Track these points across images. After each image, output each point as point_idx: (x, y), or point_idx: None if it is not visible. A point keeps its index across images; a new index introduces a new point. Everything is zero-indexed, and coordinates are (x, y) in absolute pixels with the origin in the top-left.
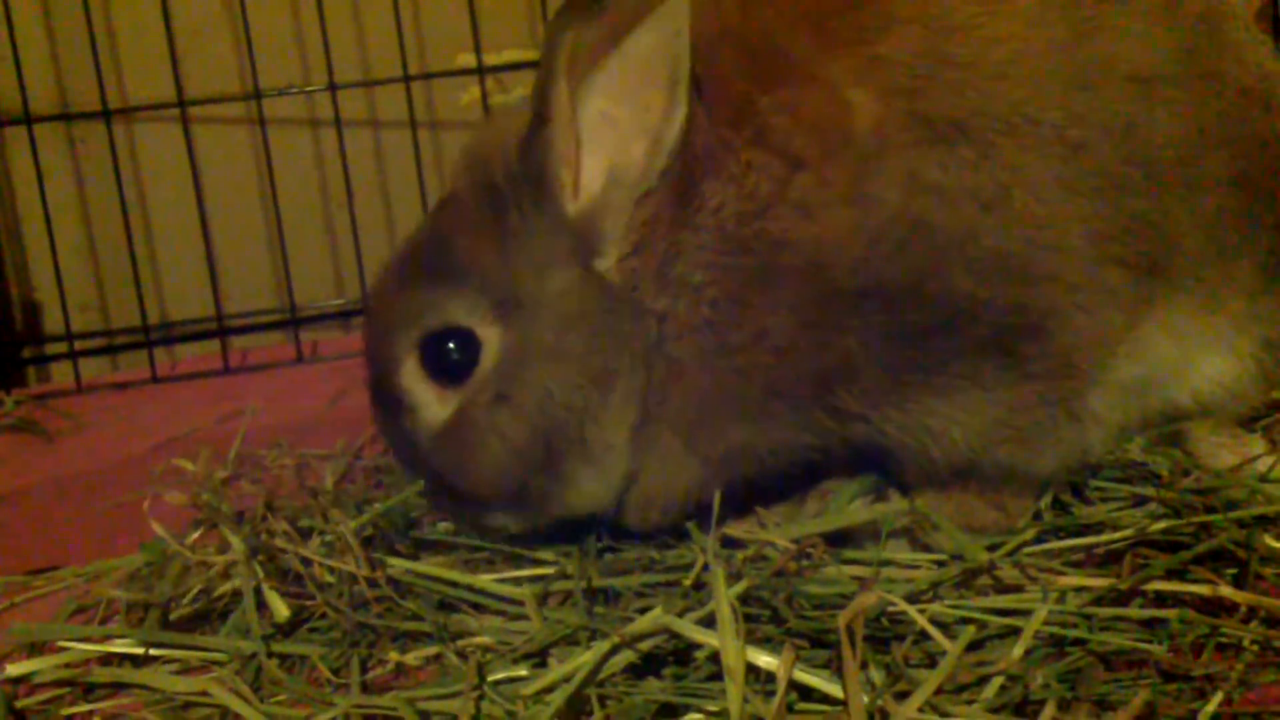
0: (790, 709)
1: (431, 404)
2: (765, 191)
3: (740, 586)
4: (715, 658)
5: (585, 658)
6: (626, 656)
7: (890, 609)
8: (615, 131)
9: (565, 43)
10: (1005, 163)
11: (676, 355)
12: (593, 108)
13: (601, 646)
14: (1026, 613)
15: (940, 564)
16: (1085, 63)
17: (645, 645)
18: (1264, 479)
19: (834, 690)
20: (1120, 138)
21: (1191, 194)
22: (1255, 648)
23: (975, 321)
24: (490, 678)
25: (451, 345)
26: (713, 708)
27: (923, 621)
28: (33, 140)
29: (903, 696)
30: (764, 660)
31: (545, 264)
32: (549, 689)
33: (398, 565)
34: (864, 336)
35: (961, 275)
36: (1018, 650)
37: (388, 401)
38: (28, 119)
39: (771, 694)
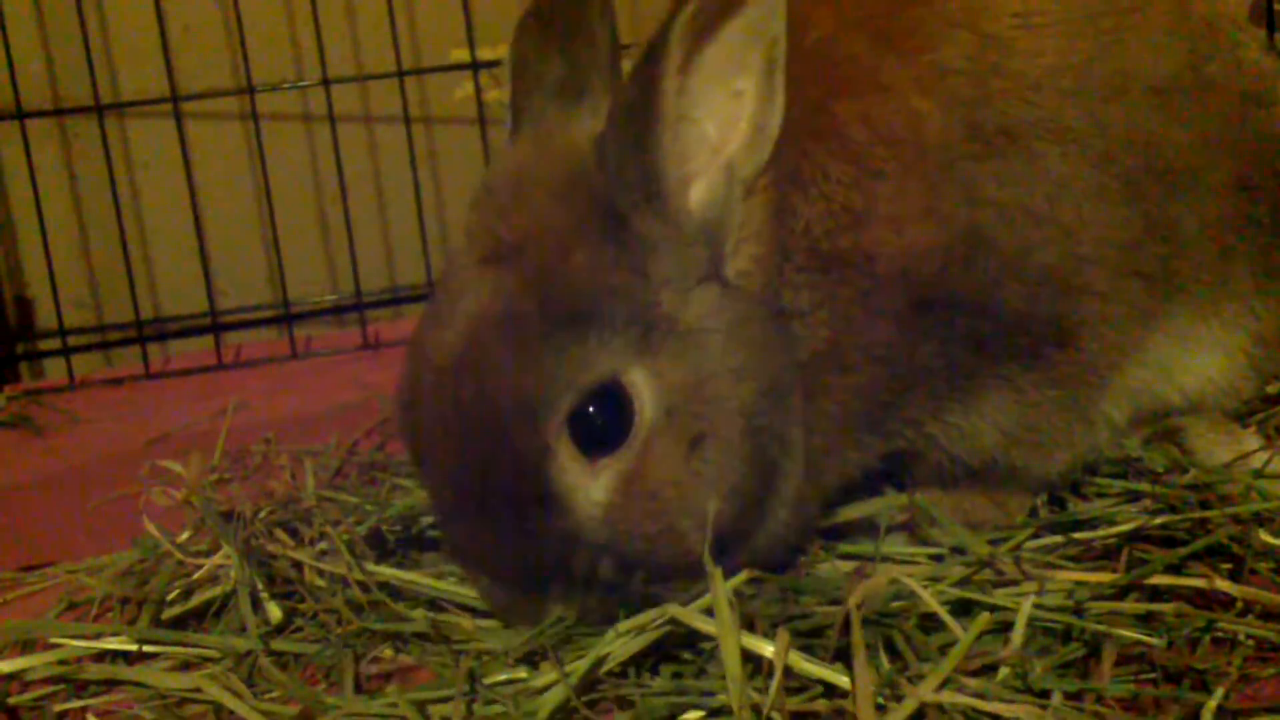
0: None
1: (587, 485)
2: (856, 205)
3: (739, 579)
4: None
5: (598, 649)
6: (633, 647)
7: (893, 602)
8: (720, 123)
9: (676, 32)
10: (1050, 175)
11: (806, 381)
12: (697, 100)
13: (608, 636)
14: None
15: (938, 558)
16: (1110, 75)
17: (652, 637)
18: (1259, 475)
19: (837, 678)
20: (1140, 148)
21: (1198, 200)
22: (1251, 642)
23: (1021, 331)
24: (489, 679)
25: (607, 402)
26: (718, 703)
27: (934, 604)
28: (25, 135)
29: (911, 681)
30: (763, 648)
31: (682, 281)
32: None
33: (386, 571)
34: (938, 346)
35: (1016, 289)
36: (1017, 637)
37: (518, 504)
38: (20, 114)
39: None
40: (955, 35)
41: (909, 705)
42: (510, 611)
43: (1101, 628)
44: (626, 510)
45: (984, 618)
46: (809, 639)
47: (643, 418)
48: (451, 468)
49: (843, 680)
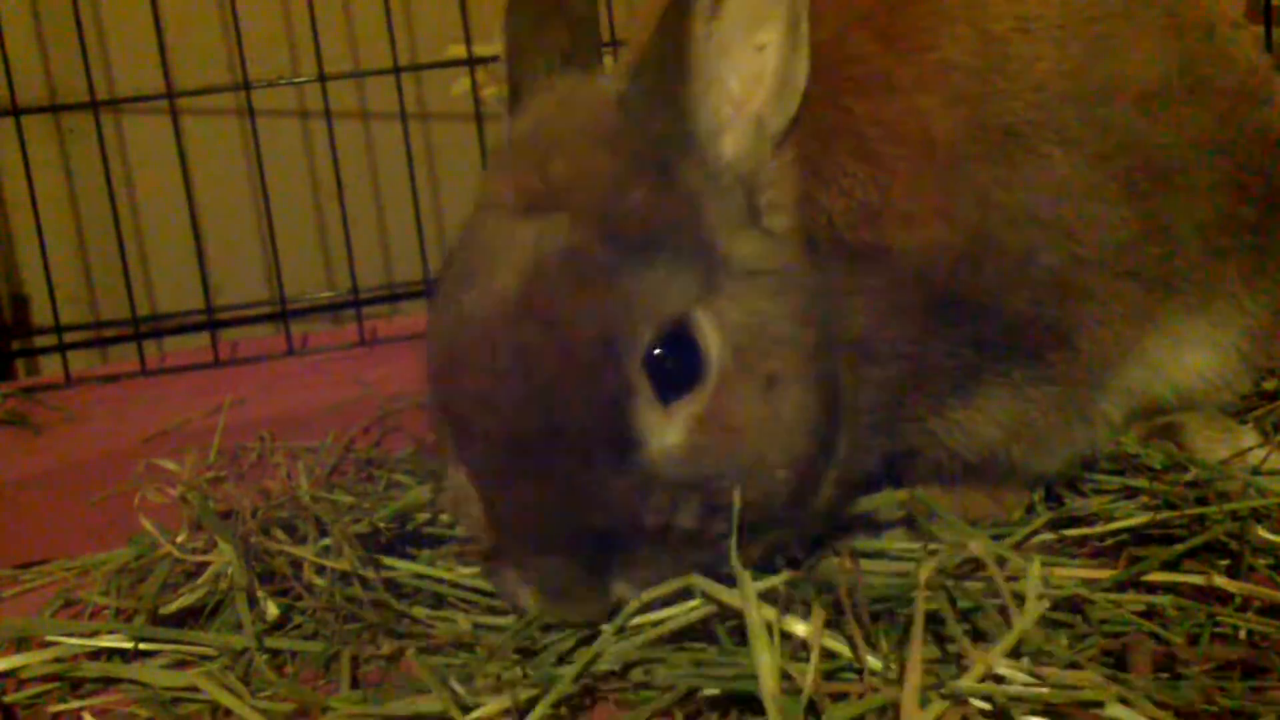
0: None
1: (663, 428)
2: (873, 201)
3: (778, 579)
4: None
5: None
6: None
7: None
8: (745, 77)
9: None
10: (1053, 176)
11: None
12: (723, 52)
13: (629, 610)
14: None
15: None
16: (1105, 79)
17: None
18: (1256, 472)
19: (873, 661)
20: (1135, 150)
21: (1190, 201)
22: (1252, 638)
23: (1022, 334)
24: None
25: (678, 345)
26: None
27: (1000, 581)
28: (20, 132)
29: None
30: (797, 627)
31: (730, 225)
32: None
33: (404, 566)
34: (946, 345)
35: (1020, 293)
36: (1028, 617)
37: (592, 453)
38: (15, 110)
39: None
40: (957, 32)
41: (977, 670)
42: (566, 595)
43: (1141, 622)
44: (709, 450)
45: (1041, 602)
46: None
47: (714, 358)
48: (509, 426)
49: (874, 662)
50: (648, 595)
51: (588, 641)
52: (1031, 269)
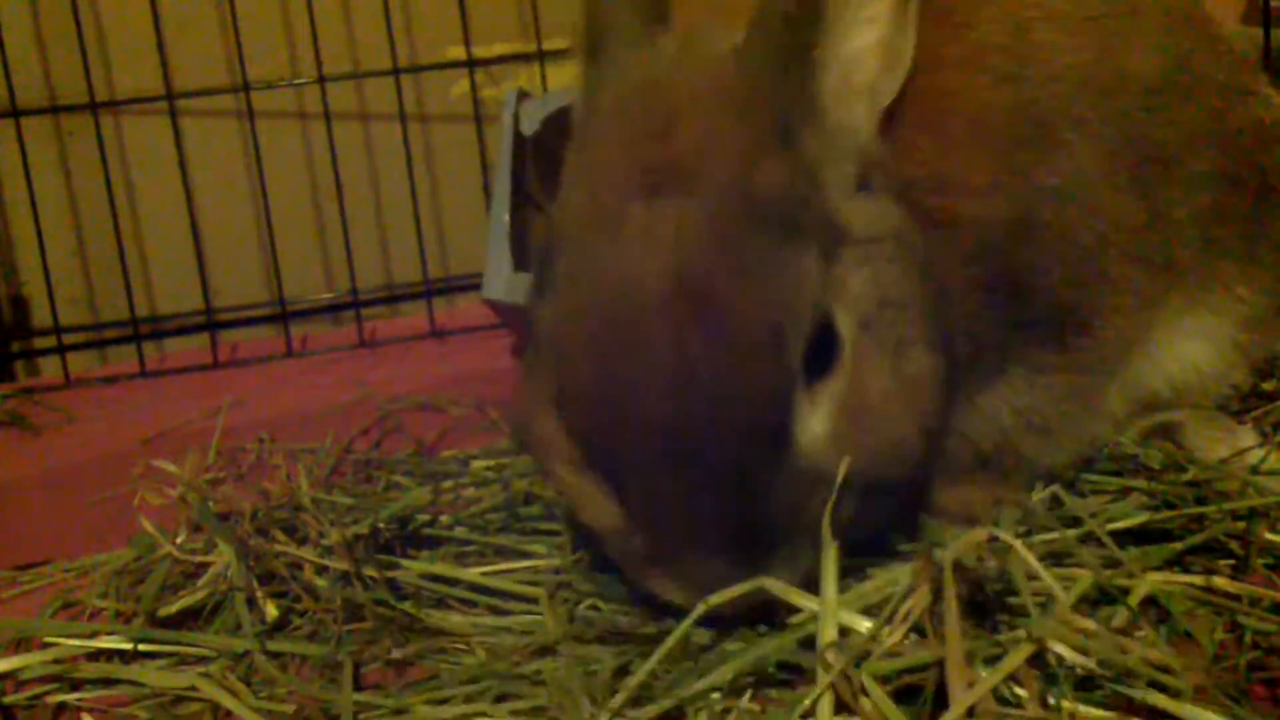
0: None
1: (809, 416)
2: (941, 172)
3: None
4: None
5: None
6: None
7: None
8: (857, 48)
9: None
10: (1079, 163)
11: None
12: (843, 19)
13: (698, 611)
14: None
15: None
16: (1113, 73)
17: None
18: (1255, 471)
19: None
20: (1140, 142)
21: (1187, 192)
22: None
23: (1055, 314)
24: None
25: (820, 327)
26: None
27: (1032, 561)
28: (20, 133)
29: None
30: (861, 624)
31: (848, 192)
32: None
33: (417, 566)
34: (992, 324)
35: (1059, 272)
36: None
37: (750, 447)
38: (15, 112)
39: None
40: (990, 13)
41: (1025, 648)
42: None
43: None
44: (851, 435)
45: (1087, 578)
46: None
47: (846, 336)
48: (667, 420)
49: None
50: (715, 600)
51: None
52: (1069, 249)
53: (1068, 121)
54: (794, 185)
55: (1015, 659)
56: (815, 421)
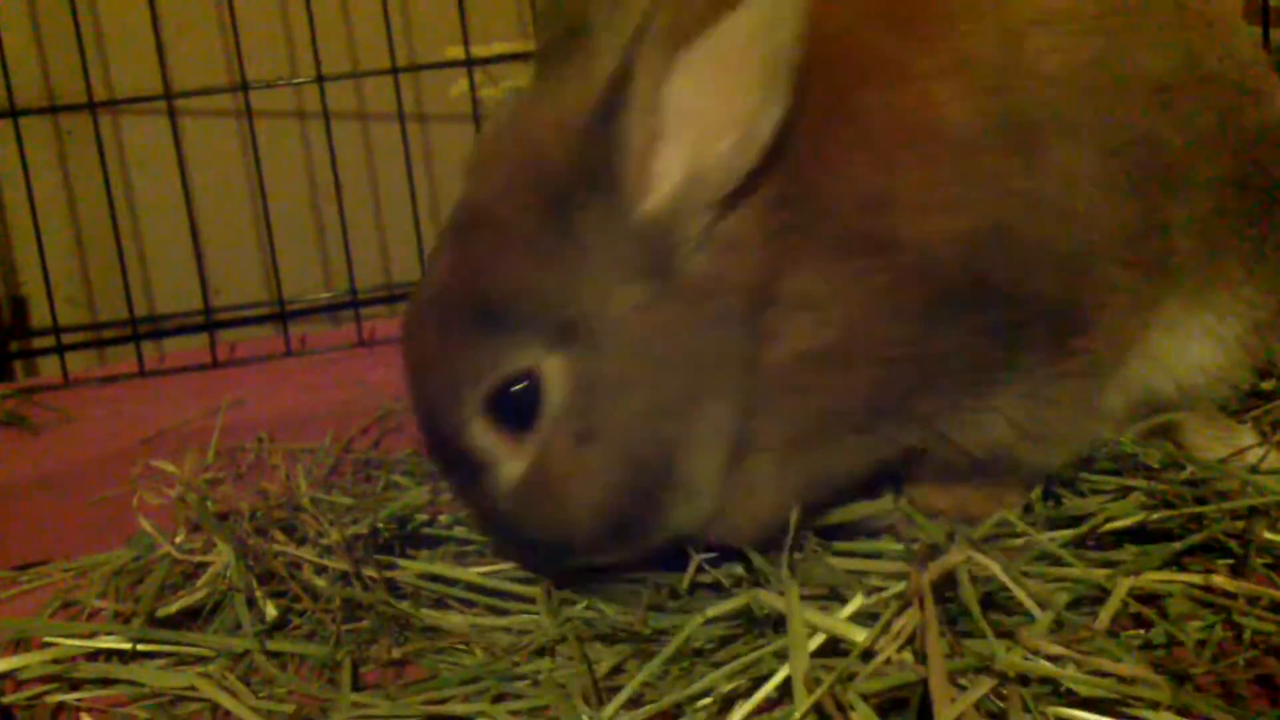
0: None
1: (506, 458)
2: (877, 191)
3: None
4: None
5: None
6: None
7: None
8: (700, 123)
9: (659, 21)
10: (1069, 168)
11: (783, 376)
12: (677, 95)
13: (696, 620)
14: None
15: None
16: (1117, 74)
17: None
18: (1255, 470)
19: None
20: (1142, 144)
21: (1191, 195)
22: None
23: (1045, 319)
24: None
25: (520, 388)
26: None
27: (1006, 579)
28: (18, 133)
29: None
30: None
31: (612, 278)
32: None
33: (415, 566)
34: (958, 338)
35: (1040, 279)
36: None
37: (458, 463)
38: (13, 111)
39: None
40: (978, 25)
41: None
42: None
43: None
44: (531, 490)
45: (1064, 597)
46: None
47: (549, 407)
48: (426, 434)
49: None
50: (712, 612)
51: None
52: (1050, 254)
53: (1057, 126)
54: (532, 270)
55: (979, 691)
56: (513, 467)
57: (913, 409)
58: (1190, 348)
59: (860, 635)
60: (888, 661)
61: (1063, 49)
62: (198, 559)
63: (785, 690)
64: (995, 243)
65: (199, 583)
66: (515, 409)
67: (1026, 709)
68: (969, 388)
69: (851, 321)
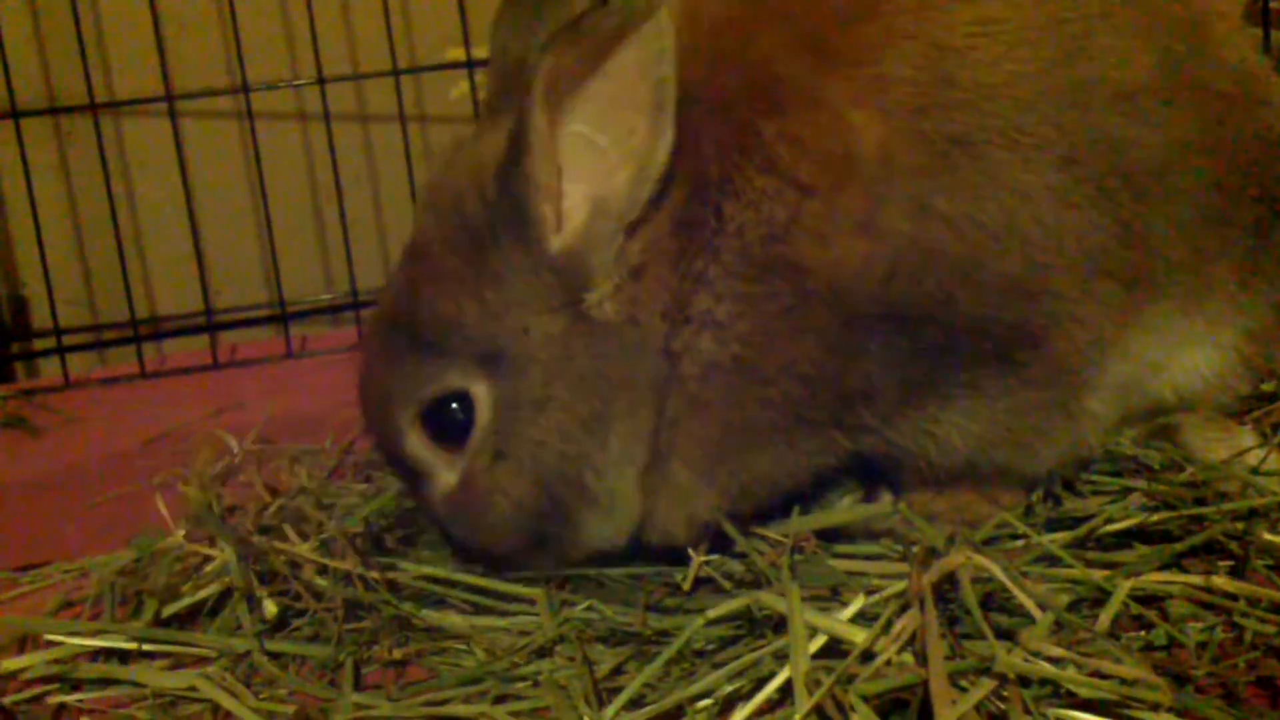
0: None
1: (441, 469)
2: (782, 218)
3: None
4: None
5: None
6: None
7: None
8: (598, 159)
9: (544, 69)
10: (1007, 184)
11: (695, 391)
12: (574, 134)
13: (697, 623)
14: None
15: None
16: (1075, 82)
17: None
18: (1255, 472)
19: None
20: (1106, 152)
21: (1172, 203)
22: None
23: (981, 337)
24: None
25: (451, 408)
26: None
27: (1007, 580)
28: (19, 134)
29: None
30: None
31: (528, 308)
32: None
33: (417, 569)
34: (883, 358)
35: (970, 299)
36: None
37: (401, 468)
38: (15, 113)
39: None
40: (902, 47)
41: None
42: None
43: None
44: (458, 502)
45: (1064, 598)
46: None
47: (478, 426)
48: (376, 441)
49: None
50: (712, 614)
51: None
52: (981, 275)
53: (1002, 140)
54: (458, 301)
55: (979, 693)
56: (448, 476)
57: (853, 421)
58: (1186, 354)
59: (860, 636)
60: (888, 663)
61: (1009, 59)
62: (199, 559)
63: (786, 691)
64: (916, 267)
65: (200, 582)
66: (450, 425)
67: (1027, 710)
68: (910, 401)
69: (756, 341)
